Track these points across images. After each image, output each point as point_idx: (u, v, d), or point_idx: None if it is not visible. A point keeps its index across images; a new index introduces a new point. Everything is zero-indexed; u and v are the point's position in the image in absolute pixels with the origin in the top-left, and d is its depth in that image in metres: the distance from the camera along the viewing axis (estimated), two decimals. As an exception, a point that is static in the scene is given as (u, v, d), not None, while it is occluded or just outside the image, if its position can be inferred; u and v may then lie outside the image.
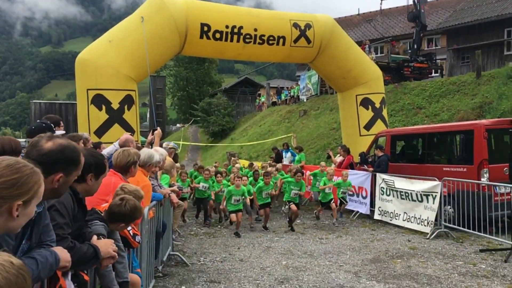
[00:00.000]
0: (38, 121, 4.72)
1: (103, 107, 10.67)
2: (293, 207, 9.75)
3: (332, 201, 10.32)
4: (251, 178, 11.33)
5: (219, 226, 10.52)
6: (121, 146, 5.64)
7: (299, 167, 11.37)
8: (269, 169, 12.36)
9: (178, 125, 61.37)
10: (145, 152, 5.20)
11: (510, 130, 9.43)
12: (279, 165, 13.85)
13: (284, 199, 10.76)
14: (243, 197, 9.58)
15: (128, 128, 10.54)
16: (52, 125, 4.55)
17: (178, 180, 10.42)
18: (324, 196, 10.43)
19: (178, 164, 13.12)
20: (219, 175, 11.24)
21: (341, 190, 10.63)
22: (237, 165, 14.06)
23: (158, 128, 7.61)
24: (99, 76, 10.65)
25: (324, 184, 10.39)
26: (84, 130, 10.25)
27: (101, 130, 10.60)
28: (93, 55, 10.85)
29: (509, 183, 7.83)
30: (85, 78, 10.83)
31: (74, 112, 23.04)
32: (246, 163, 17.22)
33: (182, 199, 10.32)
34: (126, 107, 10.95)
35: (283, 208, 11.97)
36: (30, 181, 1.72)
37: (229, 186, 10.34)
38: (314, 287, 5.87)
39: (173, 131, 52.70)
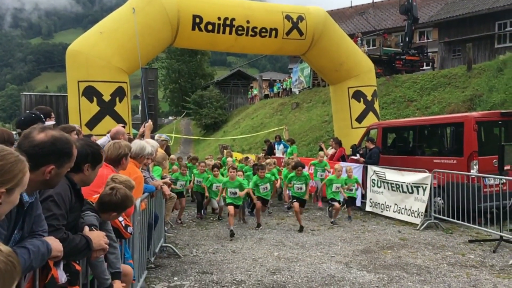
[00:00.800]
0: (27, 111, 4.69)
1: (94, 99, 10.61)
2: (295, 205, 9.00)
3: (339, 201, 9.68)
4: (249, 173, 10.88)
5: (211, 218, 10.54)
6: (112, 138, 5.63)
7: (298, 160, 10.74)
8: (267, 160, 11.73)
9: (170, 117, 61.16)
10: (136, 143, 5.20)
11: (500, 122, 9.54)
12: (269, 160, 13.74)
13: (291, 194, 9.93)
14: (240, 190, 8.95)
15: (119, 120, 10.49)
16: (41, 115, 4.52)
17: (178, 175, 10.18)
18: (335, 195, 9.63)
19: (173, 156, 13.07)
20: (216, 169, 10.46)
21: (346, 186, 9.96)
22: (229, 158, 13.99)
23: (150, 120, 7.60)
24: (90, 67, 10.57)
25: (331, 182, 9.64)
26: (75, 122, 10.19)
27: (92, 122, 10.55)
28: (84, 46, 10.77)
29: (498, 175, 7.93)
30: (76, 70, 10.75)
31: (65, 104, 22.85)
32: (239, 156, 17.11)
33: (180, 195, 10.03)
34: (117, 99, 10.89)
35: (285, 205, 11.46)
36: (14, 169, 1.71)
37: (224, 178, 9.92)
38: (305, 277, 5.93)
39: (165, 124, 52.51)
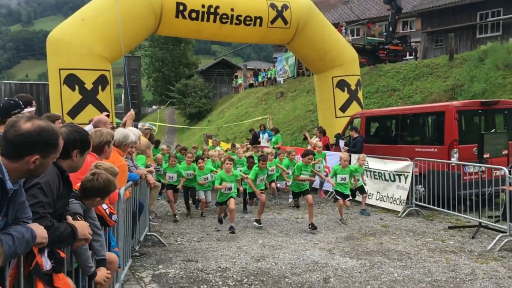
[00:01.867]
0: (6, 98, 4.62)
1: (76, 87, 10.48)
2: (309, 198, 8.08)
3: (349, 197, 8.85)
4: (244, 167, 10.02)
5: (197, 208, 10.50)
6: (94, 127, 5.59)
7: (309, 149, 9.68)
8: (267, 150, 11.13)
9: (154, 106, 60.58)
10: (120, 132, 5.17)
11: (480, 111, 9.71)
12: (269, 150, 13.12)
13: (290, 189, 9.08)
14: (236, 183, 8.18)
15: (102, 109, 10.38)
16: (20, 102, 4.46)
17: (167, 167, 9.52)
18: (342, 187, 8.77)
19: (164, 146, 12.83)
20: (200, 160, 9.58)
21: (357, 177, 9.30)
22: (217, 147, 13.71)
23: (132, 110, 7.56)
24: (71, 55, 10.41)
25: (335, 174, 8.80)
26: (56, 110, 10.06)
27: (74, 111, 10.43)
28: (65, 33, 10.58)
29: (477, 163, 8.11)
30: (57, 57, 10.57)
31: (46, 93, 22.45)
32: (226, 145, 16.89)
33: (174, 188, 9.34)
34: (100, 87, 10.77)
35: (289, 200, 10.80)
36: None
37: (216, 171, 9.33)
38: (289, 264, 6.02)
39: (148, 113, 52.01)
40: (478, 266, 5.80)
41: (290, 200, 10.65)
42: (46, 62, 11.03)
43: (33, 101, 5.23)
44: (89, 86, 10.57)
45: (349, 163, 9.30)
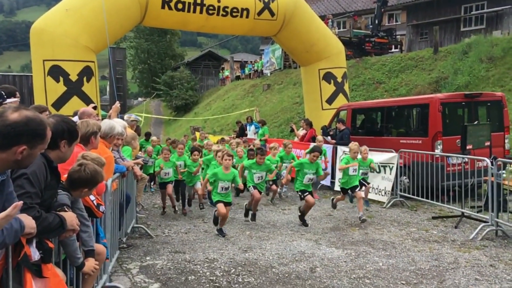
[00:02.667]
0: None
1: (61, 78, 10.34)
2: (309, 198, 7.60)
3: (358, 188, 8.08)
4: (236, 158, 9.72)
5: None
6: (79, 118, 5.55)
7: (317, 146, 8.98)
8: (271, 144, 10.13)
9: (139, 99, 60.04)
10: (106, 123, 5.14)
11: (463, 104, 9.87)
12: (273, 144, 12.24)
13: (296, 189, 7.98)
14: (233, 184, 7.20)
15: (87, 101, 10.28)
16: (3, 92, 4.40)
17: (161, 161, 8.63)
18: (347, 181, 8.08)
19: (154, 138, 12.71)
20: (196, 152, 8.98)
21: (361, 171, 8.58)
22: (207, 141, 13.22)
23: (117, 102, 7.50)
24: (55, 46, 10.26)
25: (347, 163, 8.09)
26: (41, 102, 9.92)
27: (59, 103, 10.31)
28: (49, 24, 10.42)
29: (461, 154, 8.26)
30: (41, 48, 10.42)
31: (29, 84, 22.06)
32: (214, 139, 16.52)
33: (166, 183, 8.60)
34: (85, 79, 10.65)
35: (284, 190, 10.50)
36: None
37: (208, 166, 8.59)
38: (276, 254, 6.08)
39: (134, 105, 51.54)
40: (460, 255, 5.94)
41: (285, 190, 10.59)
42: (29, 53, 10.86)
43: (17, 92, 5.18)
44: (74, 77, 10.45)
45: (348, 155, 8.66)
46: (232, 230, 7.50)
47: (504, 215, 6.92)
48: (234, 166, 8.18)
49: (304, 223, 7.77)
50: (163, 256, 6.05)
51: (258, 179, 7.78)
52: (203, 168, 9.21)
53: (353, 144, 8.45)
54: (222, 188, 6.97)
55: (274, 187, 9.53)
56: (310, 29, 13.59)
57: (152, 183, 11.73)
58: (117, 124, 5.39)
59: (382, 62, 21.84)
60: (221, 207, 6.91)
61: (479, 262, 5.63)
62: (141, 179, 7.67)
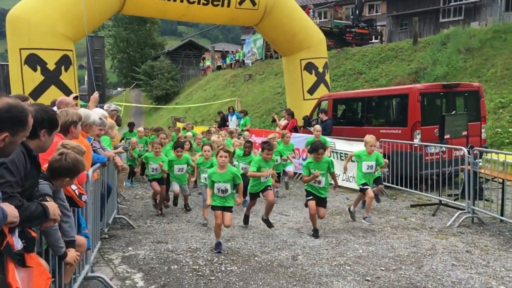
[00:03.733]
0: None
1: (38, 67, 10.14)
2: (311, 204, 6.42)
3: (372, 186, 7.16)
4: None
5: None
6: (57, 108, 5.47)
7: (320, 142, 7.51)
8: (269, 135, 9.19)
9: (119, 89, 59.25)
10: (81, 112, 5.06)
11: (442, 94, 10.04)
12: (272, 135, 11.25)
13: (306, 188, 6.65)
14: (235, 183, 5.97)
15: (66, 90, 10.11)
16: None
17: (151, 156, 7.94)
18: (364, 177, 7.09)
19: (141, 128, 12.12)
20: (179, 148, 7.90)
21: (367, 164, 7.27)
22: (188, 133, 11.97)
23: (95, 92, 7.40)
24: (32, 34, 10.03)
25: (360, 160, 7.21)
26: (18, 92, 9.72)
27: (36, 92, 10.11)
28: (26, 11, 10.17)
29: (439, 144, 8.43)
30: (18, 36, 10.17)
31: (5, 73, 21.54)
32: (199, 129, 15.70)
33: (159, 181, 7.83)
34: (63, 68, 10.47)
35: (285, 179, 9.73)
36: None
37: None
38: (259, 243, 6.13)
39: (114, 95, 50.87)
40: (438, 242, 6.09)
41: (286, 180, 9.66)
42: (5, 41, 10.58)
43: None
44: (51, 66, 10.25)
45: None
46: (214, 220, 7.51)
47: (480, 203, 7.11)
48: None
49: (315, 233, 6.45)
50: (145, 246, 6.03)
51: (265, 178, 6.61)
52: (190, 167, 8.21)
53: (370, 137, 7.35)
54: (219, 190, 5.77)
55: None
56: (291, 19, 13.59)
57: (132, 177, 10.91)
58: (93, 112, 5.32)
59: (363, 53, 22.02)
60: (217, 215, 5.76)
61: (456, 248, 5.79)
62: (122, 169, 7.60)
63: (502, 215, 6.72)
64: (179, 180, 7.96)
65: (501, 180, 6.92)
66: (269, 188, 6.77)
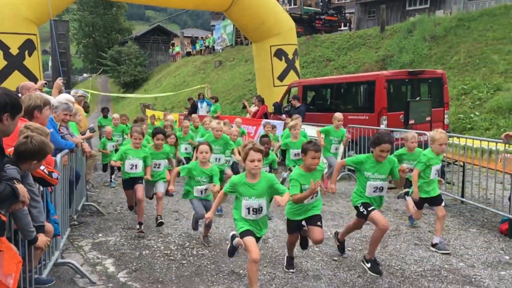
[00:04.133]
0: None
1: (1, 52, 9.84)
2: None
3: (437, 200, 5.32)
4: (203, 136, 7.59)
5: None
6: (19, 93, 5.35)
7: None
8: (263, 121, 8.48)
9: (85, 74, 57.72)
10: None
11: (407, 80, 10.32)
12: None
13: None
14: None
15: (30, 76, 9.84)
16: None
17: (130, 150, 6.04)
18: (423, 188, 5.34)
19: (116, 115, 11.02)
20: (159, 135, 6.35)
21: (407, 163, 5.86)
22: (170, 116, 10.93)
23: (58, 78, 7.22)
24: (-7, 17, 9.67)
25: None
26: (-21, 77, 9.39)
27: (-1, 78, 9.78)
28: (-15, -7, 9.77)
29: (404, 129, 8.68)
30: (-23, 19, 9.77)
31: (-37, 58, 20.61)
32: (177, 116, 15.01)
33: (136, 180, 6.11)
34: (26, 52, 10.16)
35: (284, 174, 8.81)
36: None
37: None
38: (230, 228, 6.21)
39: (79, 82, 49.51)
40: (402, 223, 6.34)
41: (284, 175, 8.68)
42: (-37, 24, 10.14)
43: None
44: (14, 51, 9.93)
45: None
46: (186, 206, 7.53)
47: (442, 186, 7.41)
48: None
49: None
50: (115, 233, 6.02)
51: (314, 197, 4.55)
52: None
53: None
54: (251, 209, 4.07)
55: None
56: (261, 5, 13.58)
57: (112, 176, 9.44)
58: (50, 97, 5.23)
59: (332, 40, 22.25)
60: (249, 245, 3.93)
61: (419, 229, 6.05)
62: (90, 156, 7.49)
63: (462, 196, 7.05)
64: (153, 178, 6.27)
65: (462, 164, 7.23)
66: (318, 219, 4.53)
